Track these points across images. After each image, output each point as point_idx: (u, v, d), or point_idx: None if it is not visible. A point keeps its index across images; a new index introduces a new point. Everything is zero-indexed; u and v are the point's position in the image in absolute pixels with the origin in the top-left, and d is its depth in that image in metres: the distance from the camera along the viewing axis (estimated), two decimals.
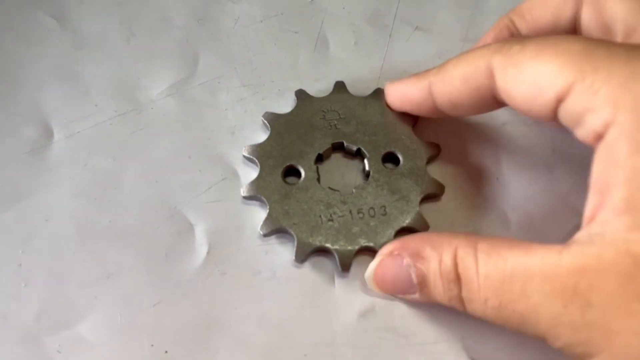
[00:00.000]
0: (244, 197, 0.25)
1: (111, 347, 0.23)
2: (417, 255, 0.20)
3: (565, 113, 0.18)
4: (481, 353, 0.23)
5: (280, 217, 0.24)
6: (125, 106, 0.27)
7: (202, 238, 0.25)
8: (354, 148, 0.25)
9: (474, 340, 0.23)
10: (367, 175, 0.25)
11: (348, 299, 0.24)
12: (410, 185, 0.24)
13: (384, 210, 0.24)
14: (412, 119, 0.25)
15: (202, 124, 0.27)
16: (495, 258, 0.18)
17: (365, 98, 0.26)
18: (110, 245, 0.25)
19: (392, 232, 0.24)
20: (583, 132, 0.18)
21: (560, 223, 0.25)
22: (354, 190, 0.24)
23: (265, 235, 0.24)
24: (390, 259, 0.21)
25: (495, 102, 0.21)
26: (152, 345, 0.23)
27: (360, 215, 0.24)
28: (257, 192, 0.24)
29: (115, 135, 0.27)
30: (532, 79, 0.19)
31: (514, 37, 0.22)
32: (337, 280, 0.24)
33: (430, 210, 0.25)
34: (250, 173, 0.25)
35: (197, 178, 0.26)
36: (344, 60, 0.28)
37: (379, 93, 0.26)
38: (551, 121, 0.19)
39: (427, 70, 0.23)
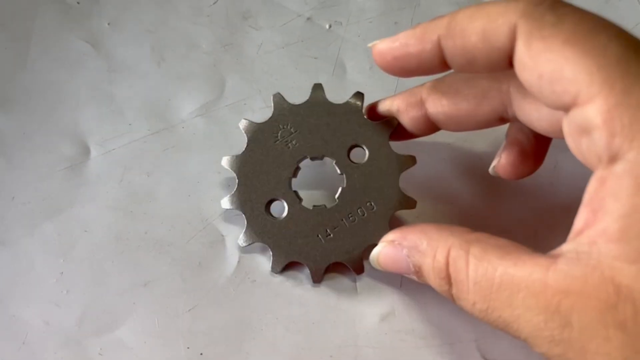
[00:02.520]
0: (244, 247, 0.26)
1: (149, 350, 0.25)
2: (414, 248, 0.21)
3: (575, 119, 0.17)
4: (494, 353, 0.25)
5: (286, 255, 0.25)
6: (157, 125, 0.29)
7: (233, 248, 0.27)
8: (319, 157, 0.26)
9: (486, 341, 0.25)
10: (340, 176, 0.25)
11: (369, 304, 0.26)
12: (383, 170, 0.25)
13: (371, 204, 0.25)
14: (359, 100, 0.26)
15: (230, 142, 0.29)
16: (485, 265, 0.18)
17: (307, 102, 0.26)
18: (146, 255, 0.27)
19: (386, 222, 0.25)
20: (584, 148, 0.18)
21: (563, 237, 0.27)
22: (337, 199, 0.25)
23: (278, 274, 0.26)
24: (391, 247, 0.22)
25: (510, 67, 0.19)
26: (188, 347, 0.25)
27: (352, 218, 0.25)
28: (255, 239, 0.25)
29: (148, 153, 0.29)
30: (557, 63, 0.17)
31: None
32: (358, 286, 0.26)
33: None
34: None
35: (227, 192, 0.28)
36: (360, 84, 0.30)
37: (316, 89, 0.26)
38: (554, 113, 0.19)
39: (432, 22, 0.21)
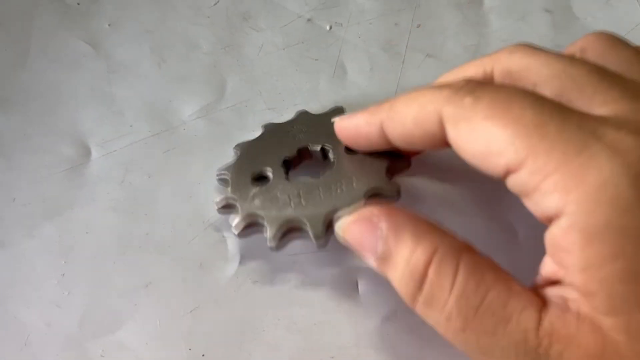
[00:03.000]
0: (219, 210, 0.26)
1: (151, 352, 0.25)
2: (392, 231, 0.19)
3: (515, 184, 0.18)
4: None
5: (249, 214, 0.25)
6: (158, 127, 0.29)
7: (234, 249, 0.27)
8: (318, 147, 0.26)
9: None
10: (333, 163, 0.26)
11: (371, 305, 0.26)
12: (374, 158, 0.25)
13: (351, 181, 0.24)
14: None
15: (231, 143, 0.29)
16: (477, 281, 0.18)
17: (327, 113, 0.27)
18: (147, 256, 0.27)
19: (361, 195, 0.24)
20: (531, 207, 0.18)
21: None
22: (320, 177, 0.25)
23: (239, 235, 0.25)
24: (365, 220, 0.20)
25: (447, 145, 0.21)
26: (190, 349, 0.25)
27: (328, 191, 0.24)
28: (228, 200, 0.25)
29: (149, 154, 0.29)
30: (483, 141, 0.18)
31: (466, 82, 0.20)
32: (360, 286, 0.26)
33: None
34: None
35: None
36: (360, 85, 0.30)
37: (336, 110, 0.27)
38: (500, 179, 0.19)
39: (379, 106, 0.23)
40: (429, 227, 0.19)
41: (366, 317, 0.26)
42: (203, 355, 0.25)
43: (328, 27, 0.32)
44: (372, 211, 0.20)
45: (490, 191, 0.28)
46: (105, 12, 0.32)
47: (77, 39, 0.31)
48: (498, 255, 0.26)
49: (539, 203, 0.17)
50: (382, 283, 0.26)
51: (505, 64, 0.22)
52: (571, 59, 0.21)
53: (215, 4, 0.32)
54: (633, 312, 0.16)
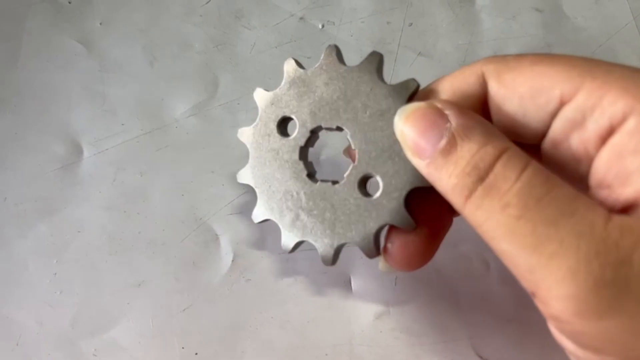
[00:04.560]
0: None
1: (144, 350, 0.25)
2: (462, 127, 0.18)
3: (568, 115, 0.18)
4: (487, 351, 0.25)
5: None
6: (150, 125, 0.29)
7: (227, 247, 0.27)
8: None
9: (480, 339, 0.25)
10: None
11: (364, 303, 0.26)
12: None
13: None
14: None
15: (224, 141, 0.29)
16: (545, 177, 0.17)
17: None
18: (140, 255, 0.27)
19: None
20: (588, 132, 0.17)
21: None
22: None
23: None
24: (434, 110, 0.19)
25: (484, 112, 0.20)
26: (183, 347, 0.25)
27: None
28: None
29: (142, 152, 0.29)
30: (532, 81, 0.18)
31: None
32: (353, 284, 0.26)
33: None
34: None
35: (221, 191, 0.28)
36: None
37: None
38: (542, 130, 0.19)
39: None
40: (499, 132, 0.18)
41: (359, 314, 0.26)
42: (196, 353, 0.25)
43: (320, 26, 0.32)
44: (442, 103, 0.19)
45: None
46: (97, 11, 0.32)
47: (69, 38, 0.31)
48: (470, 282, 0.26)
49: (600, 118, 0.17)
50: (374, 281, 0.26)
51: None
52: None
53: (207, 3, 0.32)
54: None
